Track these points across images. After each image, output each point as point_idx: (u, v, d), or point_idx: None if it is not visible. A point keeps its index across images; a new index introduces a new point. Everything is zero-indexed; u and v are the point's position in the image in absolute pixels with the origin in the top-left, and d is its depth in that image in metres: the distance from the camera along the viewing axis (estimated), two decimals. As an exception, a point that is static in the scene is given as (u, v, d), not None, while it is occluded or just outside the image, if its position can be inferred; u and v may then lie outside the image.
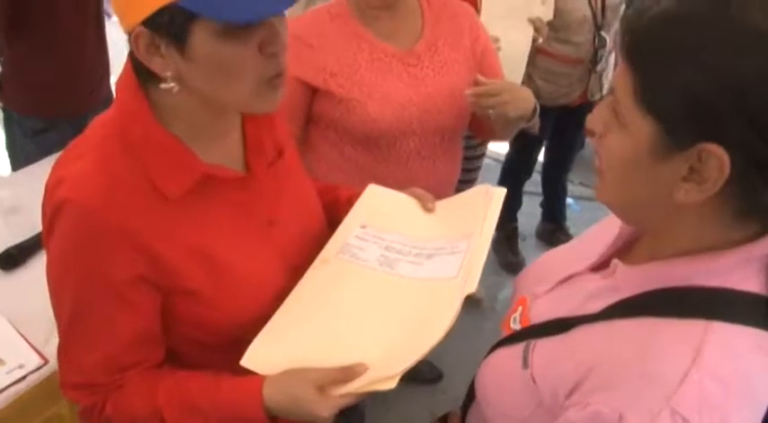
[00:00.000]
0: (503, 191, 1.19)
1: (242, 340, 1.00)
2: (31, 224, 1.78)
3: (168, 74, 0.90)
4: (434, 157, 1.64)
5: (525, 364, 0.85)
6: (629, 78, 0.70)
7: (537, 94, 2.44)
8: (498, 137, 1.74)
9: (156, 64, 0.89)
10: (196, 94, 0.92)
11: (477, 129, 1.74)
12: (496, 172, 3.24)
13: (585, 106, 2.73)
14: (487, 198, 1.17)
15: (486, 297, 2.91)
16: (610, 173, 0.77)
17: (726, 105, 0.64)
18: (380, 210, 1.22)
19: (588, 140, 3.98)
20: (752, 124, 0.64)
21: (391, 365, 0.92)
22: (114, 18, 3.34)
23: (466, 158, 2.03)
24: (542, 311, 0.91)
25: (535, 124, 2.50)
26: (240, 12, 0.83)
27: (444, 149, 1.66)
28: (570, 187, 3.36)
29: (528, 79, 2.54)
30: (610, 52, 2.62)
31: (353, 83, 1.54)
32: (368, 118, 1.54)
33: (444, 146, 1.65)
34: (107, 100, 2.41)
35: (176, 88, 0.90)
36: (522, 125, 1.63)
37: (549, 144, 3.01)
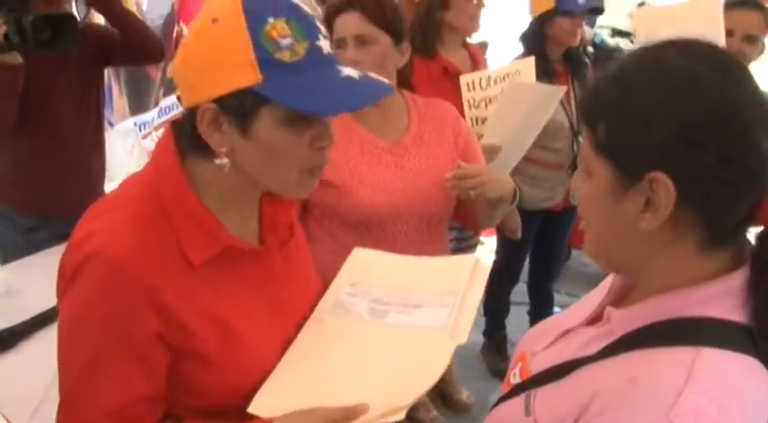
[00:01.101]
0: (488, 265, 1.24)
1: (243, 409, 1.01)
2: (24, 308, 1.76)
3: (223, 150, 0.95)
4: (421, 241, 1.69)
5: (528, 411, 0.87)
6: (587, 134, 0.82)
7: (520, 198, 2.51)
8: (482, 221, 1.78)
9: (214, 139, 0.95)
10: (241, 172, 0.97)
11: (463, 216, 1.80)
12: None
13: (568, 211, 2.79)
14: (475, 265, 1.22)
15: (475, 402, 2.81)
16: (587, 223, 0.87)
17: (658, 137, 0.74)
18: (367, 268, 1.26)
19: (574, 252, 4.06)
20: (684, 150, 0.73)
21: (393, 401, 0.96)
22: (118, 126, 3.43)
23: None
24: (541, 365, 0.93)
25: (517, 230, 2.56)
26: (314, 105, 0.91)
27: (431, 234, 1.72)
28: (557, 297, 3.34)
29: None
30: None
31: (346, 170, 1.62)
32: (359, 203, 1.61)
33: (431, 230, 1.72)
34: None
35: (227, 166, 0.95)
36: (505, 208, 1.69)
37: (533, 251, 3.03)
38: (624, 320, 0.84)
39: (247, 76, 0.90)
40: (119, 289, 0.92)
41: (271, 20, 0.90)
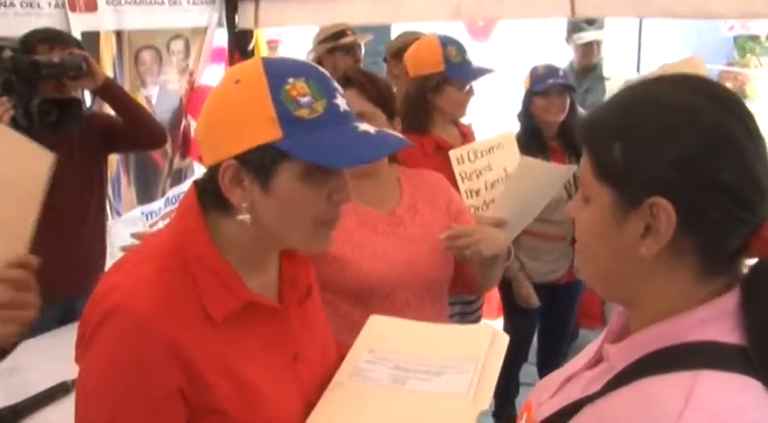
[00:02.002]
0: (506, 336, 1.22)
1: None
2: (26, 386, 1.74)
3: (245, 205, 0.97)
4: (422, 307, 1.68)
5: None
6: (587, 161, 0.82)
7: (526, 274, 2.47)
8: (481, 283, 1.77)
9: (235, 195, 0.97)
10: (262, 226, 0.99)
11: (462, 280, 1.79)
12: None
13: (573, 284, 2.74)
14: (494, 334, 1.20)
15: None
16: (584, 248, 0.86)
17: (660, 164, 0.75)
18: (385, 335, 1.25)
19: (582, 331, 3.98)
20: (685, 178, 0.74)
21: None
22: (125, 215, 3.44)
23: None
24: (546, 413, 0.91)
25: (531, 296, 2.51)
26: (332, 158, 0.94)
27: (432, 300, 1.72)
28: (566, 376, 3.22)
29: (514, 258, 2.58)
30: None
31: (345, 242, 1.62)
32: (360, 274, 1.62)
33: (432, 296, 1.72)
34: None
35: (249, 221, 0.97)
36: (501, 267, 1.70)
37: (541, 327, 2.95)
38: (622, 354, 0.82)
39: (268, 132, 0.93)
40: (140, 343, 0.91)
41: (290, 80, 0.94)
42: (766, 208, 0.77)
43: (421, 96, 2.31)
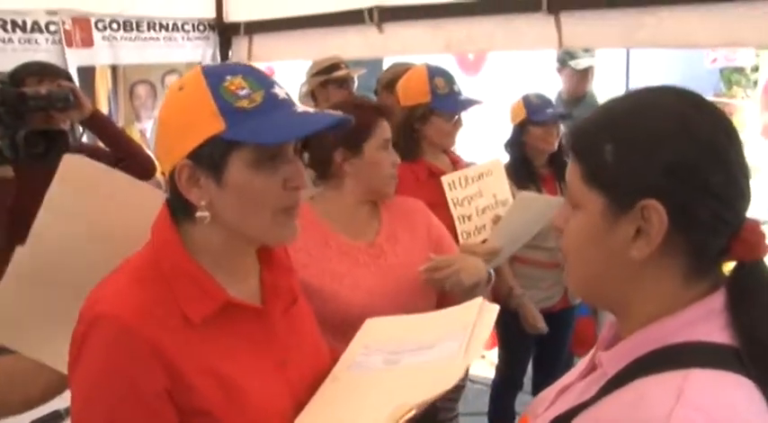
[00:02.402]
0: (496, 306, 1.24)
1: None
2: (17, 417, 1.55)
3: (203, 203, 1.00)
4: None
5: None
6: (575, 168, 0.84)
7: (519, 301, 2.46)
8: None
9: (194, 194, 1.00)
10: (224, 225, 1.02)
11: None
12: (485, 397, 3.07)
13: (567, 311, 2.71)
14: (482, 305, 1.23)
15: None
16: (574, 255, 0.86)
17: (651, 168, 0.76)
18: (380, 331, 1.28)
19: (576, 358, 3.96)
20: (675, 181, 0.76)
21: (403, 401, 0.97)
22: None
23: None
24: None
25: (539, 322, 2.49)
26: (273, 137, 0.97)
27: None
28: (562, 405, 3.16)
29: (508, 288, 2.57)
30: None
31: (325, 272, 1.64)
32: (341, 305, 1.61)
33: None
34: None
35: (208, 218, 1.00)
36: (482, 293, 1.69)
37: (536, 355, 2.91)
38: (613, 359, 0.83)
39: (212, 125, 0.97)
40: (126, 348, 0.94)
41: (228, 77, 0.99)
42: (746, 211, 0.80)
43: (409, 126, 2.31)
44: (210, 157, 0.98)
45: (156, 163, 2.58)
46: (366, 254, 1.70)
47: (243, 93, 0.98)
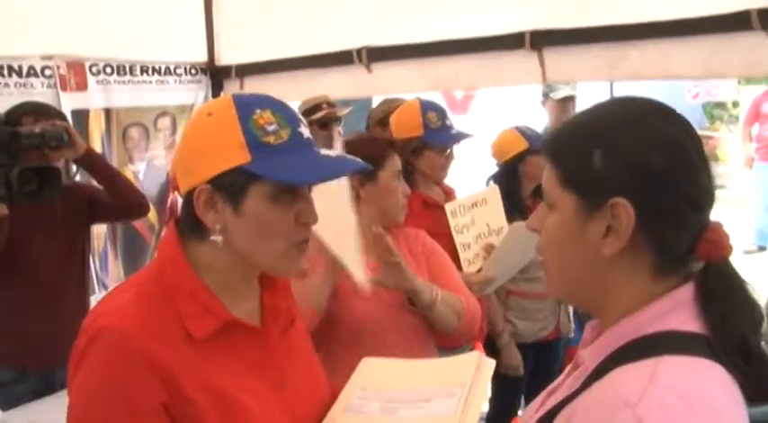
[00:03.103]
0: (493, 361, 1.25)
1: None
2: None
3: (218, 227, 1.02)
4: (411, 350, 1.73)
5: None
6: (551, 171, 0.89)
7: (516, 334, 2.49)
8: (437, 327, 1.83)
9: (209, 218, 1.02)
10: (235, 249, 1.04)
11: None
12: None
13: (559, 340, 2.71)
14: (480, 359, 1.23)
15: None
16: (549, 254, 0.90)
17: (621, 169, 0.81)
18: (377, 374, 1.28)
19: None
20: (642, 181, 0.81)
21: None
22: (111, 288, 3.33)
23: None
24: None
25: (519, 366, 2.50)
26: (295, 177, 1.01)
27: (420, 345, 1.78)
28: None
29: (504, 321, 2.57)
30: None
31: (339, 288, 1.72)
32: (355, 314, 1.71)
33: (420, 341, 1.79)
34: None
35: (221, 242, 1.02)
36: (433, 310, 1.76)
37: (528, 384, 2.87)
38: (593, 354, 0.86)
39: (238, 156, 0.99)
40: (125, 361, 0.94)
41: (258, 111, 1.01)
42: (710, 213, 0.85)
43: (403, 159, 2.33)
44: (231, 185, 1.00)
45: (150, 204, 2.59)
46: (371, 270, 1.76)
47: (271, 128, 1.00)
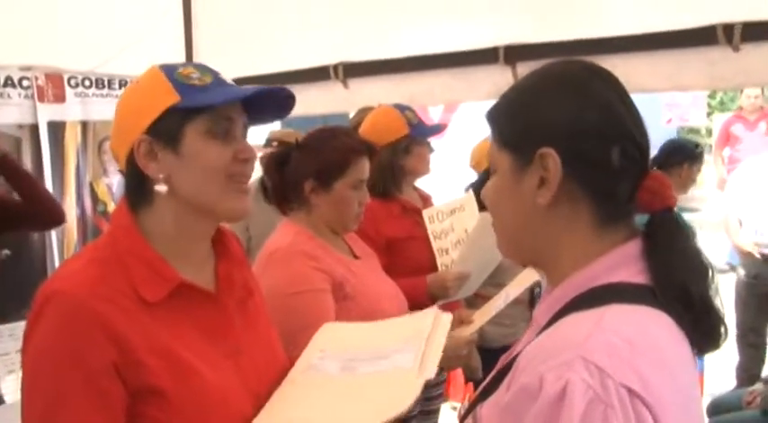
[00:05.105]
0: (449, 315, 1.30)
1: None
2: None
3: (161, 176, 1.06)
4: None
5: (475, 421, 0.87)
6: (492, 138, 0.92)
7: (484, 338, 2.45)
8: None
9: (152, 168, 1.06)
10: (179, 201, 1.07)
11: None
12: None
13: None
14: (436, 315, 1.27)
15: None
16: (495, 215, 0.93)
17: (546, 121, 0.85)
18: (336, 336, 1.30)
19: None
20: (568, 131, 0.83)
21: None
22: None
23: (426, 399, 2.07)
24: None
25: (478, 369, 2.46)
26: (220, 100, 1.07)
27: None
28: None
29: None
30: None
31: (359, 286, 1.75)
32: (373, 311, 1.67)
33: None
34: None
35: (165, 190, 1.05)
36: None
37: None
38: (544, 311, 0.87)
39: (168, 99, 1.06)
40: (76, 322, 0.96)
41: (180, 67, 1.10)
42: (646, 162, 0.86)
43: (394, 161, 2.34)
44: (167, 129, 1.05)
45: (65, 213, 2.52)
46: (363, 266, 1.82)
47: (194, 75, 1.08)
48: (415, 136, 2.38)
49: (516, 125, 0.88)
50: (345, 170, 1.74)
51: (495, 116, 0.92)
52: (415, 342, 1.16)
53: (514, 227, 0.90)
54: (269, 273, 1.65)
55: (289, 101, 1.16)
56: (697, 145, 3.64)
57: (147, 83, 1.09)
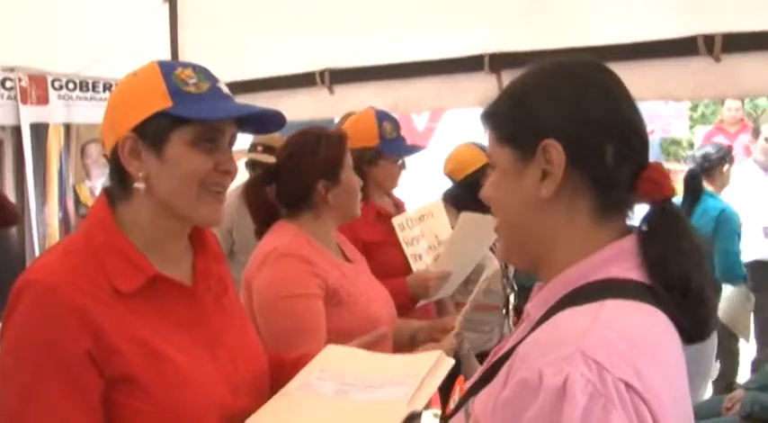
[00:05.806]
0: (452, 360, 1.28)
1: None
2: None
3: (141, 175, 1.05)
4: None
5: (467, 415, 0.86)
6: (489, 136, 0.91)
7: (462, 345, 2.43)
8: None
9: (134, 166, 1.06)
10: (156, 201, 1.07)
11: None
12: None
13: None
14: (439, 357, 1.26)
15: None
16: (494, 207, 0.91)
17: (548, 114, 0.84)
18: (338, 359, 1.30)
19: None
20: (571, 123, 0.83)
21: None
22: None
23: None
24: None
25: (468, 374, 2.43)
26: (209, 115, 1.06)
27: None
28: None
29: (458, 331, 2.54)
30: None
31: (353, 287, 1.73)
32: (367, 316, 1.70)
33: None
34: None
35: (143, 188, 1.05)
36: None
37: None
38: (537, 305, 0.86)
39: (160, 102, 1.05)
40: (51, 310, 0.96)
41: (179, 68, 1.09)
42: (646, 152, 0.86)
43: (358, 167, 2.31)
44: (154, 131, 1.04)
45: (19, 214, 2.47)
46: (357, 271, 1.80)
47: (191, 81, 1.07)
48: (383, 151, 2.33)
49: (516, 119, 0.87)
50: (343, 158, 1.78)
51: (492, 114, 0.91)
52: (412, 380, 1.17)
53: (516, 223, 0.89)
54: (264, 271, 1.65)
55: (279, 118, 1.15)
56: (730, 147, 3.85)
57: (143, 79, 1.08)
